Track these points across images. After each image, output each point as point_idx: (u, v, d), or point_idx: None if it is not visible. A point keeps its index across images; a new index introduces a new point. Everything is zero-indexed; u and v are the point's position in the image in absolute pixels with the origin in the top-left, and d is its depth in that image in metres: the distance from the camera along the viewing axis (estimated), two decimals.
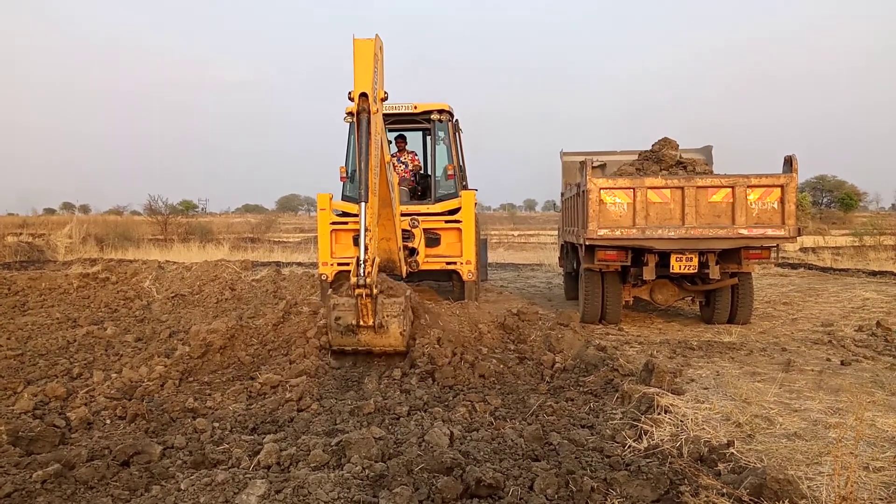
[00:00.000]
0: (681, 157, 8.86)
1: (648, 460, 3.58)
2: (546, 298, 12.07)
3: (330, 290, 6.24)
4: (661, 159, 8.69)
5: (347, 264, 9.75)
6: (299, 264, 18.28)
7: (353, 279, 5.63)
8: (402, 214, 9.17)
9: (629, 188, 8.00)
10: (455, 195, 10.11)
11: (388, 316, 6.02)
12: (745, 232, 7.86)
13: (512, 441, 3.84)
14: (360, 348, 6.17)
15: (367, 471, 3.32)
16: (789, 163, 7.96)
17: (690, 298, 9.39)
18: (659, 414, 4.36)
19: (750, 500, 2.98)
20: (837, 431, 4.04)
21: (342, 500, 3.01)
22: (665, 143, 8.93)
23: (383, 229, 8.26)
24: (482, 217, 15.36)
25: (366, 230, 5.92)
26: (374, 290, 5.75)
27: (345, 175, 10.41)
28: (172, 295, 11.20)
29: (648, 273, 8.27)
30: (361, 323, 5.86)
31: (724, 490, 3.09)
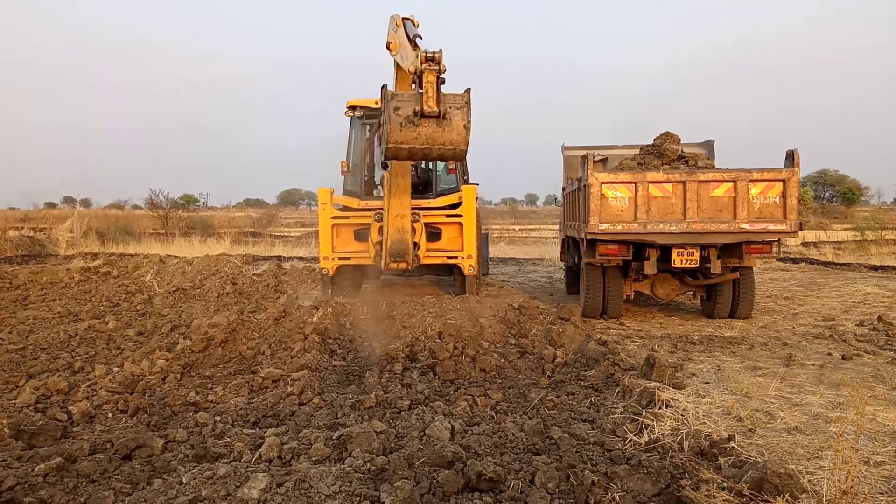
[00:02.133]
0: (682, 151, 8.84)
1: (649, 454, 3.59)
2: (547, 293, 12.07)
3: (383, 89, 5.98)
4: (662, 154, 8.67)
5: (349, 258, 9.80)
6: (300, 259, 18.30)
7: (422, 54, 5.48)
8: None
9: (631, 182, 7.99)
10: (456, 190, 10.10)
11: (451, 108, 5.61)
12: (746, 226, 7.84)
13: (513, 435, 3.85)
14: (418, 147, 5.68)
15: (368, 464, 3.32)
16: (791, 157, 7.95)
17: (692, 293, 9.38)
18: (660, 408, 4.36)
19: (750, 493, 2.98)
20: (838, 426, 4.04)
21: (343, 494, 3.01)
22: (667, 137, 8.91)
23: (399, 204, 8.30)
24: (483, 211, 15.36)
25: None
26: (442, 67, 5.48)
27: (346, 169, 10.41)
28: (174, 289, 11.21)
29: (650, 267, 8.26)
30: (425, 109, 5.50)
31: (725, 484, 3.09)
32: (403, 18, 6.95)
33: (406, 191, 8.23)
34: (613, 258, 8.42)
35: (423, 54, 5.53)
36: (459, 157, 6.04)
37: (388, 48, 7.41)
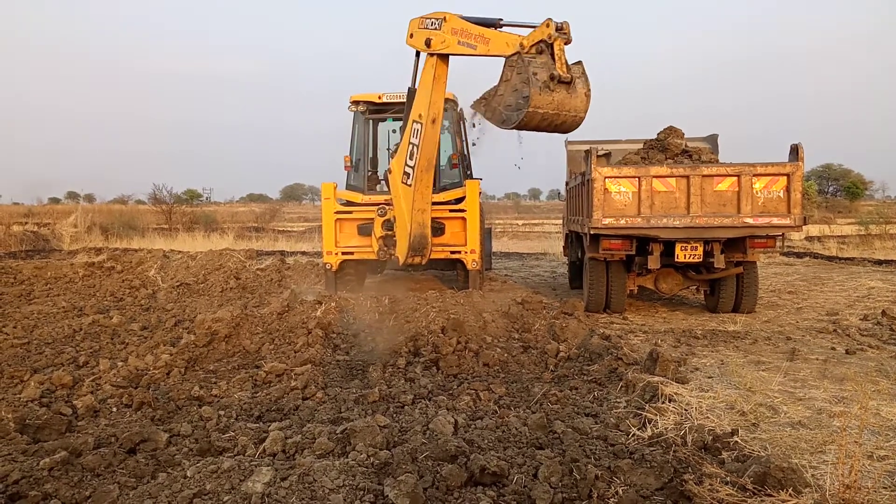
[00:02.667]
0: (686, 145, 8.81)
1: (652, 448, 3.59)
2: (550, 287, 12.06)
3: (513, 58, 6.68)
4: (666, 148, 8.65)
5: (352, 253, 9.82)
6: (304, 253, 18.31)
7: (553, 23, 6.29)
8: None
9: (634, 177, 7.97)
10: (460, 184, 10.09)
11: (574, 77, 6.31)
12: (750, 221, 7.82)
13: (516, 429, 3.85)
14: (550, 112, 6.37)
15: (372, 458, 3.33)
16: (795, 151, 7.91)
17: (695, 287, 9.37)
18: (663, 402, 4.37)
19: (754, 488, 2.98)
20: (842, 420, 4.04)
21: (347, 488, 3.02)
22: (670, 131, 8.88)
23: (422, 198, 8.56)
24: (487, 206, 15.34)
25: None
26: (570, 37, 6.31)
27: (349, 164, 10.40)
28: (177, 284, 11.23)
29: (653, 262, 8.25)
30: (561, 74, 6.20)
31: (728, 478, 3.09)
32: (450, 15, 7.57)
33: (429, 186, 8.67)
34: (617, 253, 8.41)
35: (555, 24, 6.30)
36: (576, 126, 6.64)
37: (427, 45, 7.89)
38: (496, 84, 7.10)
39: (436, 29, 7.70)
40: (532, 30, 6.60)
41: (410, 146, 8.36)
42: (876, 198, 58.10)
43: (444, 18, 7.61)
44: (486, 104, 7.29)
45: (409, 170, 8.42)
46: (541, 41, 6.43)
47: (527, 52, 6.57)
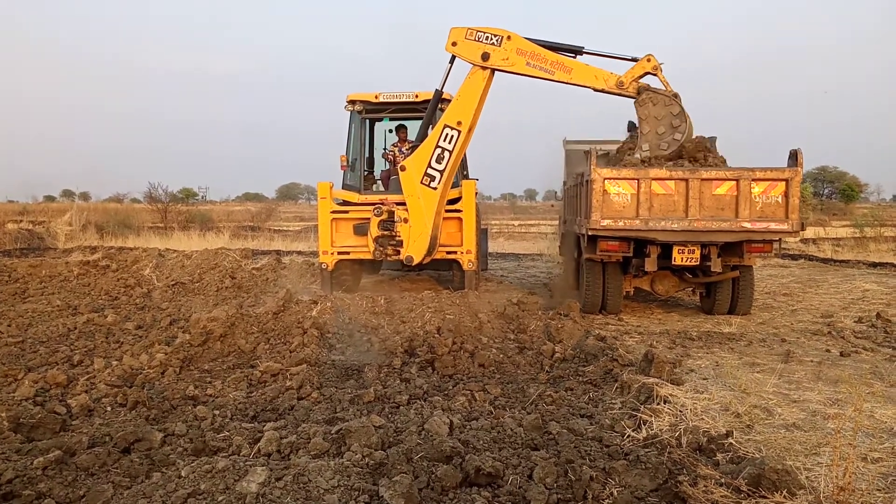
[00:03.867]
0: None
1: (647, 450, 3.59)
2: (546, 288, 12.07)
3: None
4: None
5: (348, 253, 9.81)
6: (299, 253, 18.27)
7: (652, 58, 7.98)
8: (400, 203, 9.18)
9: (633, 179, 7.96)
10: (456, 184, 10.08)
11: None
12: (748, 225, 7.82)
13: (511, 430, 3.85)
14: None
15: (366, 459, 3.32)
16: (794, 157, 7.91)
17: (691, 289, 9.38)
18: (658, 404, 4.37)
19: (748, 489, 2.99)
20: (836, 422, 4.05)
21: (342, 488, 3.01)
22: None
23: (443, 201, 8.79)
24: (483, 206, 15.34)
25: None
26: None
27: (345, 164, 10.39)
28: (173, 283, 11.21)
29: (650, 264, 8.25)
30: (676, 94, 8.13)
31: (723, 480, 3.10)
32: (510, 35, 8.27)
33: (448, 187, 9.11)
34: (614, 254, 8.41)
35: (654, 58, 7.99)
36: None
37: (484, 59, 8.29)
38: (638, 130, 8.29)
39: (493, 45, 7.95)
40: (632, 65, 7.97)
41: (439, 149, 8.58)
42: (871, 200, 58.33)
43: (508, 37, 7.94)
44: (639, 149, 8.23)
45: (435, 173, 8.69)
46: (645, 73, 7.96)
47: (627, 87, 7.91)
